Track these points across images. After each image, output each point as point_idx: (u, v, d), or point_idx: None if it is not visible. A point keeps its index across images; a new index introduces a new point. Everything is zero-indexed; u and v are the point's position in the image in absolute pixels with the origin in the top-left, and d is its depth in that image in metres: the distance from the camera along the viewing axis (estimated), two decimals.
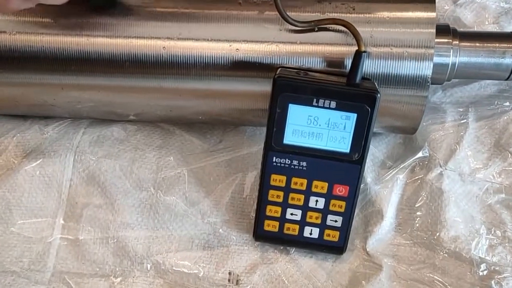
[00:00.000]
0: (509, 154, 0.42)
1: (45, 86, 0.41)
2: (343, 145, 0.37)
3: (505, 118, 0.43)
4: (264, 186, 0.39)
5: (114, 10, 0.40)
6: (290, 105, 0.36)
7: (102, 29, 0.39)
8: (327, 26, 0.37)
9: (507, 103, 0.44)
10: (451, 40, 0.40)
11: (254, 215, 0.41)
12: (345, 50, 0.37)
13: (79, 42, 0.39)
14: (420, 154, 0.43)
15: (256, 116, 0.43)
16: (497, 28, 0.48)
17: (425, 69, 0.37)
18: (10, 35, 0.40)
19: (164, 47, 0.39)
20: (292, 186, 0.39)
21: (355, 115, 0.36)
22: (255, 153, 0.45)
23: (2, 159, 0.46)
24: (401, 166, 0.43)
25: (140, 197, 0.44)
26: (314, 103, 0.36)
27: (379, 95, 0.35)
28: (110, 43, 0.39)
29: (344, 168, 0.38)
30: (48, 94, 0.42)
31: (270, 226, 0.40)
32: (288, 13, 0.37)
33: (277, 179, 0.39)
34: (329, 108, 0.36)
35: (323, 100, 0.36)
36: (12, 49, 0.40)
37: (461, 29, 0.41)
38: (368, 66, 0.37)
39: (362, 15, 0.38)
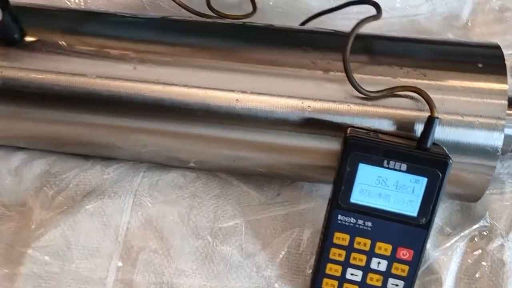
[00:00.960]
0: None
1: (116, 128, 0.43)
2: (411, 208, 0.37)
3: None
4: (326, 243, 0.39)
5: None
6: (360, 164, 0.37)
7: (179, 78, 0.41)
8: (399, 93, 0.38)
9: None
10: None
11: (310, 272, 0.41)
12: (416, 115, 0.38)
13: (155, 90, 0.41)
14: (480, 224, 0.43)
15: (317, 172, 0.43)
16: None
17: (496, 139, 0.38)
18: (89, 78, 0.42)
19: (237, 100, 0.40)
20: (355, 245, 0.38)
21: (426, 179, 0.36)
22: (312, 209, 0.45)
23: (62, 196, 0.47)
24: (461, 234, 0.43)
25: (196, 245, 0.44)
26: (385, 164, 0.37)
27: (451, 161, 0.36)
28: (185, 93, 0.41)
29: (410, 232, 0.38)
30: (118, 136, 0.43)
31: (329, 284, 0.40)
32: (358, 78, 0.38)
33: (340, 238, 0.39)
34: (399, 170, 0.36)
35: (393, 162, 0.36)
36: (90, 92, 0.42)
37: None
38: (438, 132, 0.38)
39: (433, 82, 0.39)
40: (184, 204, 0.46)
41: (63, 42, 0.43)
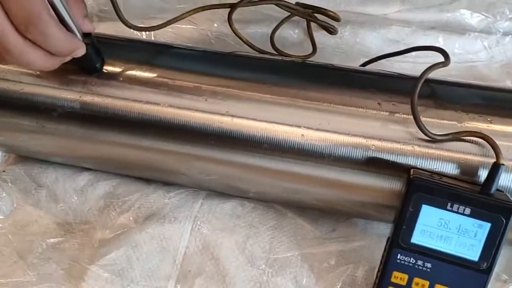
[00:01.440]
0: None
1: (183, 156, 0.45)
2: (472, 252, 0.37)
3: None
4: (383, 281, 0.39)
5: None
6: (423, 205, 0.38)
7: (247, 112, 0.43)
8: (465, 138, 0.39)
9: None
10: None
11: None
12: (480, 160, 0.39)
13: (224, 121, 0.43)
14: None
15: (376, 210, 0.44)
16: None
17: None
18: (162, 107, 0.44)
19: (302, 135, 0.42)
20: (413, 286, 0.39)
21: (489, 224, 0.37)
22: (367, 247, 0.46)
23: (125, 218, 0.48)
24: None
25: (251, 274, 0.45)
26: (448, 207, 0.37)
27: None
28: (253, 125, 0.42)
29: (470, 276, 0.38)
30: (184, 164, 0.45)
31: None
32: (424, 120, 0.39)
33: (398, 277, 0.39)
34: (463, 214, 0.37)
35: (457, 206, 0.37)
36: (161, 120, 0.44)
37: None
38: (502, 179, 0.38)
39: (499, 129, 0.39)
40: (241, 233, 0.47)
41: (139, 72, 0.45)
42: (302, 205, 0.48)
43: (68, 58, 0.42)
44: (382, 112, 0.41)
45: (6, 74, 0.47)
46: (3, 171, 0.53)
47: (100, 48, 0.45)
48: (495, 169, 0.37)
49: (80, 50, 0.42)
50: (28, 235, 0.48)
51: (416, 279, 0.39)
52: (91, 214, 0.50)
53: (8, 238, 0.47)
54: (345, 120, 0.42)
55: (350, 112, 0.42)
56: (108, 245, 0.46)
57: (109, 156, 0.48)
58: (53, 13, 0.38)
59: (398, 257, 0.39)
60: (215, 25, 0.60)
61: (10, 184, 0.52)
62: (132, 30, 0.51)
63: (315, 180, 0.43)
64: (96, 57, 0.45)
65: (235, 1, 0.56)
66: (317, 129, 0.42)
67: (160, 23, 0.53)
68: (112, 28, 0.61)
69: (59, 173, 0.52)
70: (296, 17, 0.59)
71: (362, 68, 0.49)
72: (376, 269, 0.41)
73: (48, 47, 0.39)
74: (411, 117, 0.40)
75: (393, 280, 0.39)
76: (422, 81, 0.39)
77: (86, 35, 0.43)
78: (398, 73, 0.45)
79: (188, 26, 0.60)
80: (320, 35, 0.60)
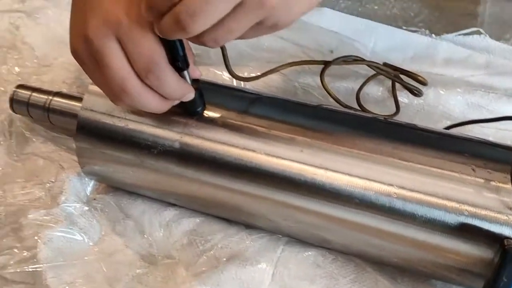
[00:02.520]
0: None
1: (273, 202, 0.46)
2: None
3: None
4: None
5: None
6: None
7: (341, 166, 0.44)
8: None
9: None
10: None
11: None
12: None
13: (317, 173, 0.45)
14: None
15: (459, 275, 0.44)
16: None
17: None
18: (258, 154, 0.46)
19: (395, 194, 0.43)
20: None
21: None
22: None
23: (207, 256, 0.50)
24: None
25: None
26: None
27: None
28: (346, 180, 0.44)
29: None
30: (272, 210, 0.47)
31: None
32: None
33: None
34: None
35: None
36: (256, 166, 0.46)
37: None
38: None
39: None
40: (321, 283, 0.48)
41: (237, 119, 0.48)
42: (383, 262, 0.48)
43: (177, 102, 0.45)
44: (476, 179, 0.42)
45: (113, 111, 0.50)
46: (94, 199, 0.56)
47: (203, 93, 0.48)
48: None
49: (190, 95, 0.45)
50: (114, 264, 0.50)
51: None
52: (174, 249, 0.51)
53: (99, 265, 0.49)
54: (438, 183, 0.42)
55: (444, 175, 0.43)
56: (191, 281, 0.48)
57: (199, 194, 0.50)
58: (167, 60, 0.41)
59: None
60: (303, 77, 0.63)
61: (100, 212, 0.55)
62: (227, 77, 0.54)
63: (402, 239, 0.43)
64: (199, 102, 0.48)
65: (321, 57, 0.59)
66: (410, 190, 0.43)
67: (251, 72, 0.56)
68: (204, 73, 0.64)
69: (147, 206, 0.55)
70: (381, 76, 0.61)
71: (454, 133, 0.50)
72: None
73: (162, 92, 0.42)
74: (507, 186, 0.40)
75: None
76: None
77: (194, 81, 0.46)
78: (491, 141, 0.46)
79: (276, 76, 0.62)
80: (403, 94, 0.61)
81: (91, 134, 0.51)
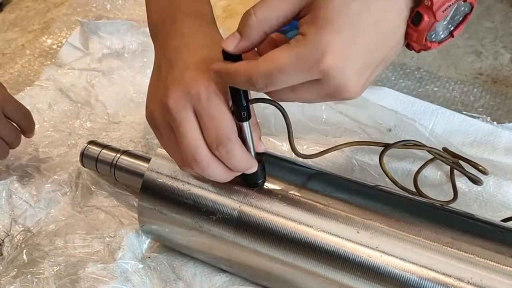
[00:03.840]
0: None
1: (326, 280, 0.46)
2: None
3: None
4: None
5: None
6: None
7: (397, 250, 0.44)
8: None
9: None
10: None
11: None
12: None
13: (373, 256, 0.44)
14: None
15: None
16: None
17: None
18: (314, 230, 0.47)
19: (453, 286, 0.42)
20: None
21: None
22: None
23: None
24: None
25: None
26: None
27: None
28: (402, 266, 0.44)
29: None
30: (324, 287, 0.47)
31: None
32: None
33: None
34: None
35: None
36: (311, 242, 0.46)
37: None
38: None
39: None
40: None
41: (296, 193, 0.49)
42: None
43: (240, 173, 0.47)
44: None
45: (177, 175, 0.52)
46: (149, 257, 0.58)
47: (265, 167, 0.50)
48: None
49: (254, 168, 0.46)
50: None
51: None
52: None
53: None
54: (497, 278, 0.42)
55: (502, 270, 0.42)
56: None
57: (252, 264, 0.51)
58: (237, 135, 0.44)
59: None
60: (361, 154, 0.64)
61: (152, 271, 0.56)
62: (286, 148, 0.56)
63: None
64: (261, 174, 0.49)
65: (378, 134, 0.59)
66: (468, 283, 0.42)
67: (308, 143, 0.57)
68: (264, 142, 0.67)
69: (198, 269, 0.56)
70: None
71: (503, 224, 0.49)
72: None
73: (229, 164, 0.44)
74: None
75: None
76: None
77: (258, 154, 0.48)
78: None
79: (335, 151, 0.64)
80: (462, 180, 0.61)
81: (155, 195, 0.53)
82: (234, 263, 0.53)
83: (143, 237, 0.59)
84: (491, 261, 0.42)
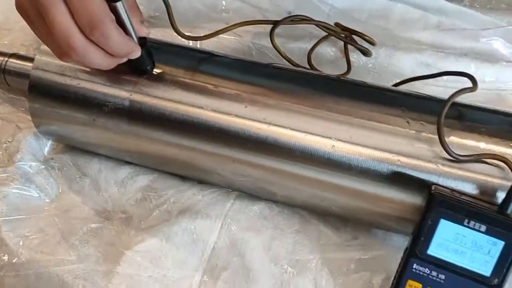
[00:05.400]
0: None
1: (221, 157, 0.48)
2: (485, 268, 0.40)
3: None
4: None
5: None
6: (441, 220, 0.40)
7: (283, 120, 0.46)
8: (486, 160, 0.42)
9: None
10: None
11: None
12: (499, 182, 0.41)
13: (261, 128, 0.46)
14: None
15: (396, 223, 0.47)
16: None
17: None
18: (205, 110, 0.48)
19: (333, 146, 0.45)
20: None
21: (503, 242, 0.39)
22: (384, 257, 0.48)
23: (160, 210, 0.52)
24: None
25: (274, 272, 0.48)
26: (465, 223, 0.40)
27: None
28: (287, 134, 0.46)
29: None
30: (221, 165, 0.49)
31: None
32: (448, 141, 0.42)
33: (413, 285, 0.42)
34: (478, 231, 0.39)
35: (474, 222, 0.39)
36: (203, 123, 0.48)
37: None
38: None
39: None
40: (267, 233, 0.50)
41: (185, 77, 0.49)
42: (326, 213, 0.50)
43: (124, 59, 0.46)
44: (410, 131, 0.44)
45: (65, 70, 0.51)
46: (52, 158, 0.58)
47: (151, 52, 0.49)
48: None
49: (136, 53, 0.46)
50: (70, 219, 0.52)
51: None
52: (129, 204, 0.53)
53: (53, 220, 0.51)
54: (374, 135, 0.45)
55: (379, 128, 0.45)
56: (143, 234, 0.50)
57: (151, 152, 0.52)
58: (114, 18, 0.42)
59: (414, 266, 0.41)
60: (257, 38, 0.64)
61: (57, 171, 0.56)
62: (180, 37, 0.55)
63: (341, 190, 0.46)
64: (148, 60, 0.49)
65: (279, 18, 0.60)
66: (347, 142, 0.45)
67: (207, 32, 0.57)
68: (160, 34, 0.65)
69: (103, 165, 0.56)
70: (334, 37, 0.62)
71: (393, 88, 0.51)
72: (392, 278, 0.43)
73: (108, 49, 0.43)
74: (437, 137, 0.42)
75: None
76: (450, 103, 0.42)
77: (141, 39, 0.47)
78: (427, 95, 0.48)
79: (231, 37, 0.63)
80: (356, 55, 0.63)
81: (43, 93, 0.52)
82: (133, 153, 0.53)
83: (44, 139, 0.58)
84: (369, 120, 0.45)
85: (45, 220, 0.51)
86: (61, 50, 0.43)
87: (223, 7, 0.71)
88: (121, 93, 0.50)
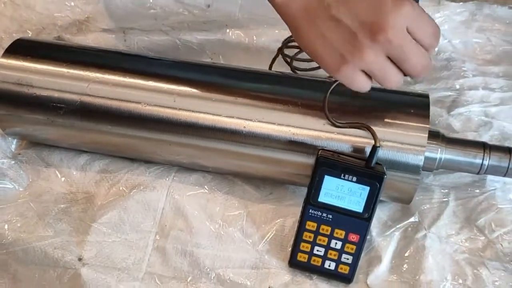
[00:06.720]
0: (475, 227, 0.59)
1: (159, 141, 0.61)
2: (358, 207, 0.54)
3: (475, 200, 0.61)
4: (300, 228, 0.56)
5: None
6: (325, 176, 0.54)
7: (207, 109, 0.59)
8: (356, 127, 0.56)
9: (477, 190, 0.62)
10: (439, 143, 0.58)
11: (290, 249, 0.58)
12: (367, 142, 0.55)
13: (189, 116, 0.59)
14: (412, 219, 0.60)
15: (298, 178, 0.61)
16: (477, 135, 0.66)
17: (418, 160, 0.55)
18: (142, 105, 0.60)
19: (244, 126, 0.58)
20: (320, 231, 0.56)
21: (368, 188, 0.53)
22: (294, 205, 0.62)
23: (116, 188, 0.64)
24: (398, 226, 0.60)
25: (211, 226, 0.61)
26: (342, 177, 0.54)
27: (385, 176, 0.53)
28: (209, 118, 0.58)
29: (357, 223, 0.55)
30: (159, 147, 0.61)
31: (301, 257, 0.57)
32: (332, 114, 0.56)
33: (310, 225, 0.56)
34: (351, 181, 0.54)
35: (348, 175, 0.54)
36: (141, 115, 0.60)
37: (448, 135, 0.59)
38: (382, 154, 0.55)
39: (381, 121, 0.56)
40: (203, 197, 0.63)
41: (125, 78, 0.61)
42: (247, 176, 0.64)
43: None
44: (302, 109, 0.57)
45: (22, 80, 0.62)
46: (19, 154, 0.68)
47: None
48: (373, 149, 0.54)
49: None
50: (43, 202, 0.64)
51: (322, 226, 0.56)
52: (90, 186, 0.65)
53: (29, 205, 0.63)
54: (274, 114, 0.58)
55: (278, 108, 0.58)
56: (104, 208, 0.62)
57: (103, 142, 0.63)
58: None
59: (310, 211, 0.56)
60: (182, 33, 0.75)
61: (25, 164, 0.67)
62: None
63: (254, 158, 0.59)
64: None
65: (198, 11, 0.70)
66: (255, 121, 0.58)
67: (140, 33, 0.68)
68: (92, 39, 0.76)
69: (63, 155, 0.68)
70: None
71: (291, 74, 0.65)
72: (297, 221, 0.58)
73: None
74: (323, 114, 0.56)
75: (307, 227, 0.56)
76: (335, 84, 0.54)
77: None
78: (321, 78, 0.61)
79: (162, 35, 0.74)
80: None
81: (5, 102, 0.62)
82: (88, 144, 0.65)
83: (10, 138, 0.69)
84: (271, 102, 0.58)
85: (23, 206, 0.63)
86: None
87: (150, 3, 0.80)
88: (73, 97, 0.61)
